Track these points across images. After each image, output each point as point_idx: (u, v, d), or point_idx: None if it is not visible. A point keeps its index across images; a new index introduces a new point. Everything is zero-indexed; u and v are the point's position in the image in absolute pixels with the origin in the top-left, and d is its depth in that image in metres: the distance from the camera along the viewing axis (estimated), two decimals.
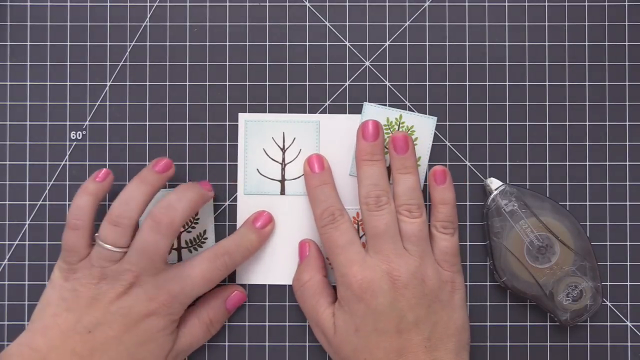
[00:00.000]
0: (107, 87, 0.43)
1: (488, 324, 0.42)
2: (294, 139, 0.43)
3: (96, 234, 0.39)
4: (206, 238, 0.43)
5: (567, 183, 0.43)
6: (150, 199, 0.39)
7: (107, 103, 0.43)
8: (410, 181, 0.40)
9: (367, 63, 0.43)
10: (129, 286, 0.38)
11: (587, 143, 0.43)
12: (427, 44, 0.43)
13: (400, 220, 0.39)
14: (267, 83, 0.43)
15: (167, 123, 0.43)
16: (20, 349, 0.37)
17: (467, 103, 0.43)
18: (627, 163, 0.43)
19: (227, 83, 0.43)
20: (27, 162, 0.43)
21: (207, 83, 0.43)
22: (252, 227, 0.42)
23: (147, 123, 0.43)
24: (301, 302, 0.41)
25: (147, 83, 0.43)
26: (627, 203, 0.43)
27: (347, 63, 0.43)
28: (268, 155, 0.43)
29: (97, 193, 0.39)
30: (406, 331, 0.37)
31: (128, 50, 0.43)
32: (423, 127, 0.43)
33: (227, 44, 0.43)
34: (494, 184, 0.42)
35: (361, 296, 0.37)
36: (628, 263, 0.42)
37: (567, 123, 0.43)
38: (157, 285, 0.38)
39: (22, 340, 0.37)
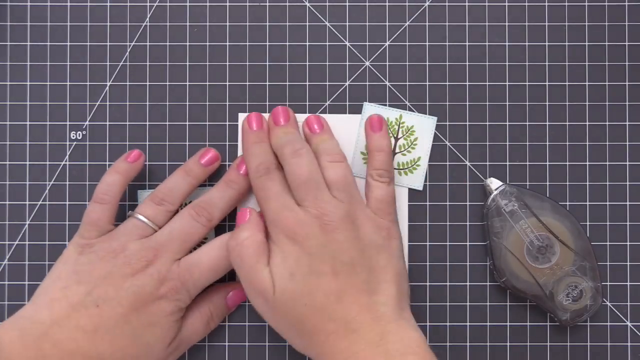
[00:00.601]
0: (107, 87, 0.43)
1: (488, 324, 0.42)
2: None
3: (129, 212, 0.40)
4: (206, 238, 0.43)
5: (567, 183, 0.43)
6: (193, 190, 0.41)
7: (107, 103, 0.43)
8: (325, 137, 0.41)
9: (367, 63, 0.43)
10: (146, 265, 0.38)
11: (587, 143, 0.43)
12: (427, 44, 0.43)
13: (323, 169, 0.39)
14: (267, 83, 0.43)
15: (167, 123, 0.43)
16: (20, 321, 0.37)
17: (467, 103, 0.43)
18: (627, 163, 0.43)
19: (227, 83, 0.43)
20: (27, 162, 0.43)
21: (207, 83, 0.43)
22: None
23: (147, 123, 0.43)
24: (238, 263, 0.38)
25: (147, 83, 0.43)
26: (627, 203, 0.43)
27: (347, 63, 0.43)
28: None
29: (127, 173, 0.40)
30: (343, 273, 0.36)
31: (128, 50, 0.43)
32: (423, 127, 0.43)
33: (227, 44, 0.43)
34: (494, 184, 0.42)
35: (294, 238, 0.37)
36: (628, 263, 0.42)
37: (567, 123, 0.43)
38: (171, 270, 0.38)
39: (24, 313, 0.37)
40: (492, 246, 0.41)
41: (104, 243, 0.38)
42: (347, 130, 0.43)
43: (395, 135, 0.43)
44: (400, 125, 0.43)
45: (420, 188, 0.43)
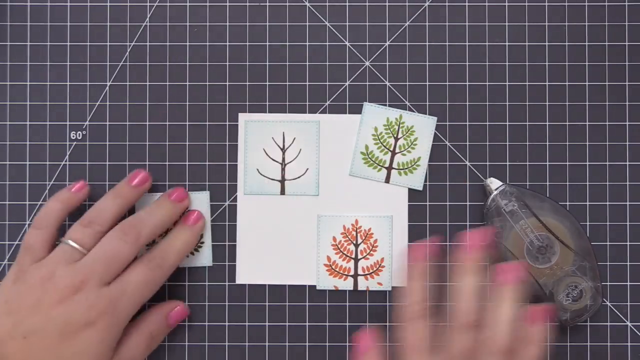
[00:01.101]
0: (107, 87, 0.43)
1: None
2: (294, 139, 0.43)
3: (61, 238, 0.39)
4: (202, 242, 0.43)
5: (567, 183, 0.43)
6: (124, 212, 0.40)
7: (107, 103, 0.43)
8: (505, 313, 0.37)
9: (367, 63, 0.43)
10: (73, 291, 0.37)
11: (587, 143, 0.43)
12: (427, 44, 0.43)
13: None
14: (267, 83, 0.43)
15: (167, 123, 0.43)
16: None
17: (467, 103, 0.43)
18: (627, 163, 0.43)
19: (227, 83, 0.43)
20: (27, 162, 0.43)
21: (207, 83, 0.43)
22: (184, 223, 0.41)
23: (147, 123, 0.43)
24: None
25: (147, 83, 0.43)
26: (627, 203, 0.43)
27: (347, 63, 0.43)
28: (268, 155, 0.43)
29: (68, 202, 0.40)
30: None
31: (128, 50, 0.43)
32: (423, 127, 0.43)
33: (227, 44, 0.43)
34: (494, 184, 0.42)
35: None
36: (628, 263, 0.42)
37: (567, 123, 0.43)
38: (100, 294, 0.37)
39: None
40: None
41: (35, 270, 0.38)
42: (347, 130, 0.43)
43: (395, 135, 0.43)
44: (400, 125, 0.43)
45: (420, 188, 0.43)
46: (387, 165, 0.43)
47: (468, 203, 0.43)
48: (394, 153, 0.43)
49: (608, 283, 0.42)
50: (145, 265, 0.39)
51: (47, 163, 0.43)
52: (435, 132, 0.43)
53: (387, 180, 0.43)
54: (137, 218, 0.40)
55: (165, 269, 0.40)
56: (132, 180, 0.41)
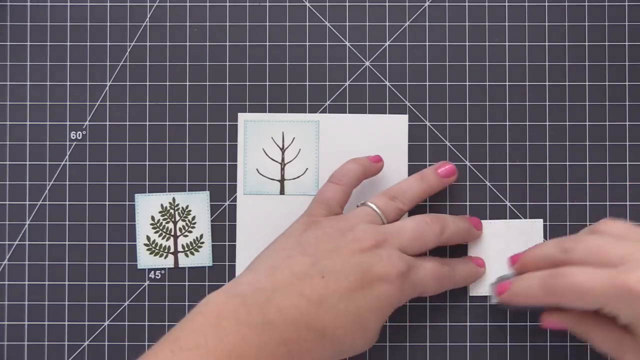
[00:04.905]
0: (107, 87, 0.43)
1: (488, 323, 0.42)
2: (293, 138, 0.43)
3: (362, 201, 0.39)
4: (202, 242, 0.43)
5: (567, 183, 0.43)
6: (425, 197, 0.40)
7: (107, 103, 0.43)
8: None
9: (367, 63, 0.43)
10: (375, 245, 0.36)
11: (587, 143, 0.43)
12: (427, 44, 0.43)
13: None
14: (267, 83, 0.43)
15: (167, 123, 0.43)
16: (240, 288, 0.35)
17: (467, 103, 0.43)
18: (627, 163, 0.43)
19: (227, 83, 0.43)
20: (27, 162, 0.43)
21: (207, 83, 0.43)
22: (473, 262, 0.41)
23: (147, 123, 0.43)
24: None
25: (147, 83, 0.43)
26: (627, 203, 0.43)
27: (347, 63, 0.43)
28: (267, 155, 0.43)
29: (367, 167, 0.40)
30: None
31: (128, 50, 0.43)
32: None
33: (227, 44, 0.43)
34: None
35: None
36: None
37: (567, 123, 0.43)
38: (402, 257, 0.36)
39: (242, 280, 0.36)
40: None
41: (331, 221, 0.37)
42: (347, 130, 0.43)
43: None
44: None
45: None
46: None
47: (468, 203, 0.43)
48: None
49: None
50: (439, 263, 0.39)
51: (47, 163, 0.43)
52: (435, 132, 0.43)
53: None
54: (440, 214, 0.40)
55: (453, 282, 0.40)
56: (439, 169, 0.40)
